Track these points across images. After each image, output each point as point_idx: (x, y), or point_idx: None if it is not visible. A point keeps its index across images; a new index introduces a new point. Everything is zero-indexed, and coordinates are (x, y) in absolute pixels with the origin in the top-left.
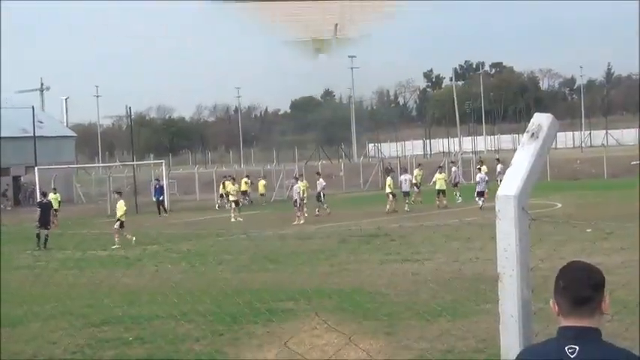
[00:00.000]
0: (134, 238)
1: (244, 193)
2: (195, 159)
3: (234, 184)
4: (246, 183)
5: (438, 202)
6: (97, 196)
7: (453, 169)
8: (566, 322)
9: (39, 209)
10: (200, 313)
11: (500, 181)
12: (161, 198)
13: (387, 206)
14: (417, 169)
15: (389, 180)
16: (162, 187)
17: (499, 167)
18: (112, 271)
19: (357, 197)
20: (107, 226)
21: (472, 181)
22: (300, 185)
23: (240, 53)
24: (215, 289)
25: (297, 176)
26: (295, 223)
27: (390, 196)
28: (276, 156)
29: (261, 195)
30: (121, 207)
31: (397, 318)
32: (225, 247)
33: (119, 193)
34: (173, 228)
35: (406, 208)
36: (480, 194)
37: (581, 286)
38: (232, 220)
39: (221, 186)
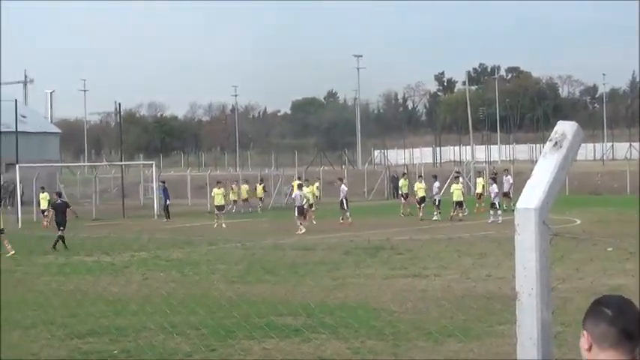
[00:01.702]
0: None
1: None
2: (187, 161)
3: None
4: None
5: (452, 214)
6: (82, 197)
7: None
8: (604, 356)
9: (53, 210)
10: (192, 325)
11: (503, 193)
12: (168, 202)
13: (420, 213)
14: (402, 179)
15: (421, 184)
16: (166, 190)
17: (510, 178)
18: (97, 278)
19: (362, 207)
20: (93, 229)
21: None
22: (307, 191)
23: (238, 49)
24: (209, 300)
25: (300, 182)
26: (298, 232)
27: (423, 203)
28: (274, 160)
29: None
30: None
31: (404, 338)
32: (219, 256)
33: None
34: (163, 234)
35: (435, 218)
36: (493, 206)
37: (633, 318)
38: (223, 226)
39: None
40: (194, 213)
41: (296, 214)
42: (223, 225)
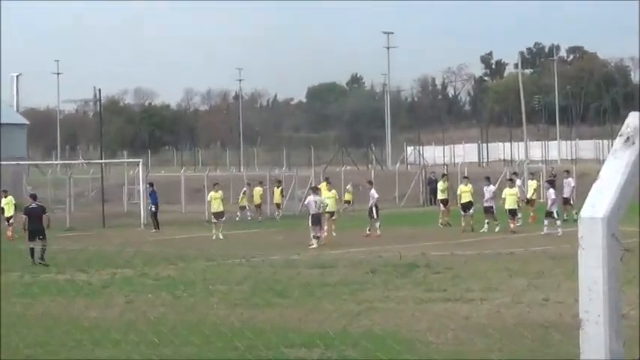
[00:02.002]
0: None
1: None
2: (181, 159)
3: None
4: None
5: (512, 226)
6: (53, 202)
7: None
8: None
9: (25, 216)
10: (186, 358)
11: (563, 199)
12: (153, 208)
13: (463, 223)
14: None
15: (467, 187)
16: (155, 193)
17: (571, 181)
18: (71, 301)
19: (393, 215)
20: (66, 241)
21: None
22: (328, 196)
23: (244, 24)
24: (206, 328)
25: (315, 185)
26: (310, 246)
27: (468, 210)
28: (286, 158)
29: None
30: None
31: None
32: (218, 275)
33: None
34: (151, 247)
35: (484, 229)
36: (549, 215)
37: None
38: (220, 237)
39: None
40: (189, 222)
41: (310, 223)
42: (220, 236)
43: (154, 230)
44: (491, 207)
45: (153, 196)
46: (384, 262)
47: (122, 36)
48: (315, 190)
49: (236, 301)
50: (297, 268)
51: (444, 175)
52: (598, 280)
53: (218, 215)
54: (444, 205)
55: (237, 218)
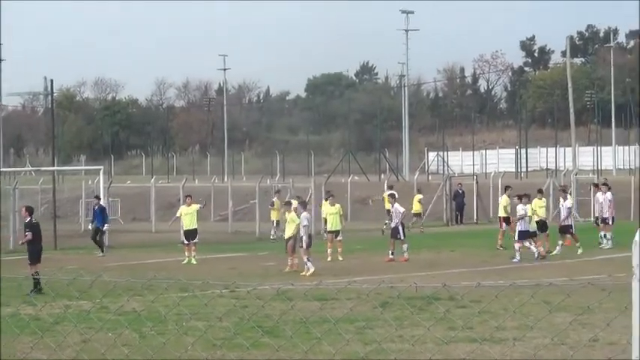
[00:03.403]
0: None
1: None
2: (151, 165)
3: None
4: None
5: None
6: None
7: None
8: None
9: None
10: None
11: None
12: (104, 227)
13: (545, 244)
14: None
15: (542, 202)
16: (104, 210)
17: (606, 196)
18: (15, 340)
19: (410, 236)
20: (8, 266)
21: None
22: (330, 212)
23: (230, 4)
24: None
25: (305, 199)
26: (304, 272)
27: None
28: (280, 164)
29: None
30: None
31: None
32: (195, 308)
33: None
34: (112, 274)
35: (557, 251)
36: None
37: None
38: (192, 262)
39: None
40: (160, 243)
41: (303, 245)
42: (193, 261)
43: (101, 254)
44: (570, 226)
45: (100, 214)
46: (398, 294)
47: (79, 12)
48: (304, 205)
49: (216, 341)
50: (291, 301)
51: (508, 187)
52: None
53: (190, 234)
54: (507, 224)
55: (271, 236)
